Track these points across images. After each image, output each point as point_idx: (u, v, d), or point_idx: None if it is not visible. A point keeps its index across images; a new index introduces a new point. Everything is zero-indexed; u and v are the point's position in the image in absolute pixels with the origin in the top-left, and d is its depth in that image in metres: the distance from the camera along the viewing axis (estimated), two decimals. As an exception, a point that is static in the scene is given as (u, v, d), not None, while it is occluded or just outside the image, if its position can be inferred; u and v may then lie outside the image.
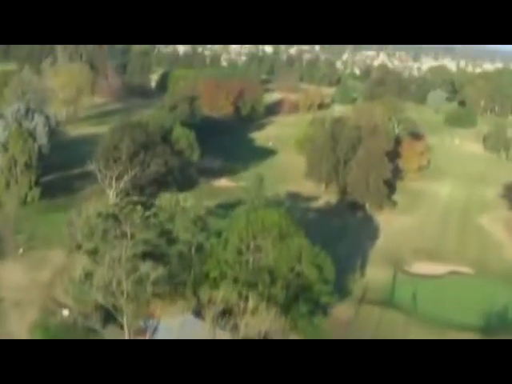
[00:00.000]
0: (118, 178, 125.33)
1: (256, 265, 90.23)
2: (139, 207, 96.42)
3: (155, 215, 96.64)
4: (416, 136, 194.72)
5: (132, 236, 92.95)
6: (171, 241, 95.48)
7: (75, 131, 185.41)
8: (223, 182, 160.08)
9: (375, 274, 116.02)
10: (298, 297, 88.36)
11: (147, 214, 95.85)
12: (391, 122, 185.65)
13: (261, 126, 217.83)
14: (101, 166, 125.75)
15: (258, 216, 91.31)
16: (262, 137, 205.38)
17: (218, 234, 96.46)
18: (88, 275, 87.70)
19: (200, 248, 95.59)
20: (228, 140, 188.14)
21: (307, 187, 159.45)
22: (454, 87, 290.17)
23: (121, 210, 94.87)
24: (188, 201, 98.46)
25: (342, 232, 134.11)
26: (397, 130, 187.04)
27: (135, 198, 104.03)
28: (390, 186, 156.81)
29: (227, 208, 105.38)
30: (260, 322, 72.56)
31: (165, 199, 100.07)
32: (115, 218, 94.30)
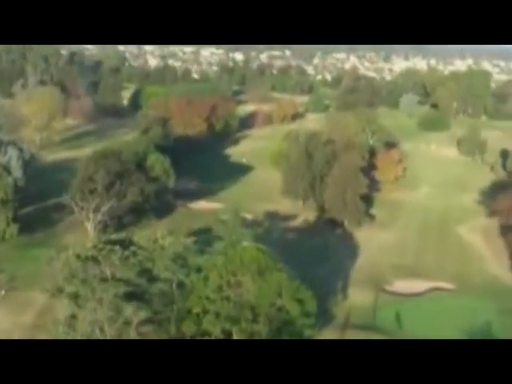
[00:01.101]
0: (95, 210, 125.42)
1: (237, 301, 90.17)
2: (117, 247, 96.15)
3: (134, 254, 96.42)
4: (391, 145, 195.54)
5: (112, 277, 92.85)
6: (152, 279, 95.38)
7: (50, 156, 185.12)
8: (202, 204, 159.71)
9: (357, 295, 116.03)
10: (280, 331, 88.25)
11: (126, 253, 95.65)
12: (365, 133, 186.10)
13: (235, 141, 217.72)
14: (77, 198, 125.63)
15: (237, 252, 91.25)
16: (237, 152, 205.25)
17: (198, 270, 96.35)
18: (71, 319, 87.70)
19: (181, 285, 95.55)
20: (203, 159, 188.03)
21: (284, 205, 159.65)
22: (425, 90, 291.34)
23: (99, 251, 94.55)
24: (166, 239, 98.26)
25: (323, 252, 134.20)
26: (371, 141, 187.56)
27: (113, 236, 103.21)
28: (368, 200, 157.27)
29: (205, 243, 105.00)
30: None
31: (142, 237, 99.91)
32: (94, 259, 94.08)
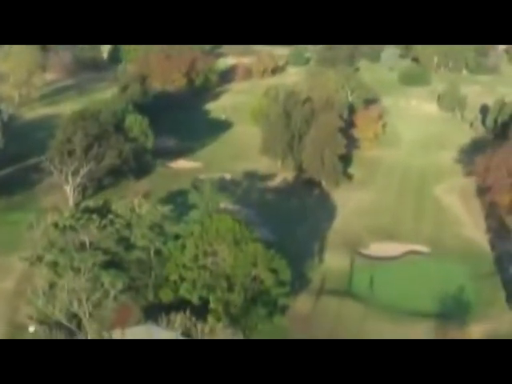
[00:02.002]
0: (74, 173, 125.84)
1: (213, 269, 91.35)
2: (95, 216, 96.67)
3: (111, 223, 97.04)
4: (370, 102, 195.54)
5: (90, 245, 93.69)
6: (129, 247, 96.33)
7: (30, 114, 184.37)
8: (181, 163, 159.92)
9: (333, 259, 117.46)
10: (256, 300, 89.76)
11: (104, 222, 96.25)
12: (344, 91, 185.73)
13: (215, 96, 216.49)
14: (55, 161, 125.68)
15: (213, 222, 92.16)
16: (216, 108, 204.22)
17: (176, 237, 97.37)
18: (50, 287, 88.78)
19: (158, 252, 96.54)
20: (182, 115, 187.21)
21: (263, 164, 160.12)
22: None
23: (77, 220, 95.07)
24: (143, 207, 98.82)
25: (300, 213, 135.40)
26: (350, 98, 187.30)
27: (91, 204, 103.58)
28: (346, 159, 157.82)
29: (182, 211, 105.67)
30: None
31: (120, 206, 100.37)
32: (72, 228, 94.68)
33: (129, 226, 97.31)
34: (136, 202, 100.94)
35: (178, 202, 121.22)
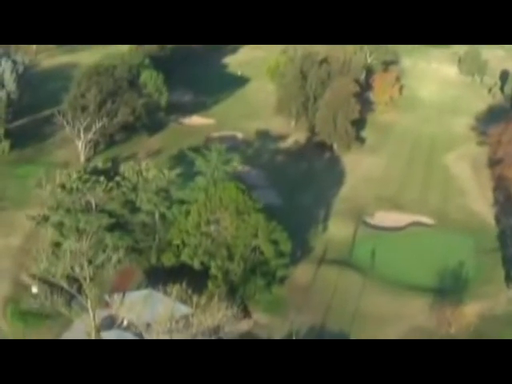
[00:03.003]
0: (86, 129, 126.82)
1: (215, 237, 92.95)
2: (102, 178, 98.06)
3: (118, 185, 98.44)
4: (389, 63, 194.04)
5: (96, 207, 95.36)
6: (134, 210, 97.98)
7: (47, 62, 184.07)
8: (194, 120, 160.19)
9: (337, 227, 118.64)
10: (255, 271, 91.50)
11: (110, 185, 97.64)
12: (363, 52, 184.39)
13: (233, 50, 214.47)
14: (68, 116, 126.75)
15: (217, 191, 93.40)
16: (234, 62, 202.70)
17: (181, 203, 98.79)
18: (55, 247, 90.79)
19: (163, 217, 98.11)
20: (199, 69, 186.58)
21: (276, 123, 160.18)
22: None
23: (84, 183, 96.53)
24: (150, 171, 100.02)
25: (309, 178, 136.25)
26: (369, 60, 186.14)
27: (99, 165, 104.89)
28: (360, 122, 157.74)
29: (189, 177, 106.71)
30: (212, 317, 75.18)
31: (127, 168, 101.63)
32: (79, 190, 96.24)
33: (135, 189, 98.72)
34: (143, 165, 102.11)
35: (188, 161, 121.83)
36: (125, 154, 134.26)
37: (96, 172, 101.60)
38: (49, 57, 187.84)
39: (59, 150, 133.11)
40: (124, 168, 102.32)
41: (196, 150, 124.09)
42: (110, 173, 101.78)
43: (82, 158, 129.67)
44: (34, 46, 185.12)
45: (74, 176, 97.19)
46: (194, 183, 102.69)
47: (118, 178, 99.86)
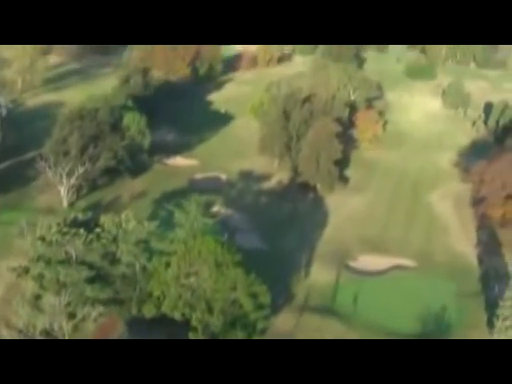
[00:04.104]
0: (69, 175, 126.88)
1: (195, 290, 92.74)
2: (82, 231, 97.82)
3: (98, 238, 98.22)
4: (373, 98, 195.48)
5: (77, 260, 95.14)
6: (115, 262, 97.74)
7: (32, 100, 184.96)
8: (178, 161, 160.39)
9: (320, 272, 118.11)
10: (235, 323, 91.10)
11: (90, 237, 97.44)
12: (346, 89, 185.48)
13: (218, 86, 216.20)
14: (51, 162, 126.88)
15: (196, 244, 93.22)
16: (219, 99, 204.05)
17: (161, 254, 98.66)
18: (36, 299, 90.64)
19: (143, 268, 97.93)
20: (184, 107, 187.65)
21: (260, 163, 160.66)
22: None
23: (64, 235, 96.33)
24: (130, 222, 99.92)
25: (292, 220, 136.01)
26: (353, 97, 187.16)
27: (79, 216, 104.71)
28: (344, 160, 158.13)
29: (168, 228, 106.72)
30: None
31: (107, 220, 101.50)
32: (59, 243, 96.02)
33: (115, 240, 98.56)
34: (123, 216, 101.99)
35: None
36: (108, 198, 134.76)
37: (76, 223, 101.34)
38: (33, 95, 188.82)
39: (42, 194, 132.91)
40: (104, 219, 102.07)
41: (181, 192, 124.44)
42: (90, 224, 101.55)
43: (65, 203, 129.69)
44: (19, 84, 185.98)
45: (54, 229, 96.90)
46: (174, 234, 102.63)
47: (97, 230, 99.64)
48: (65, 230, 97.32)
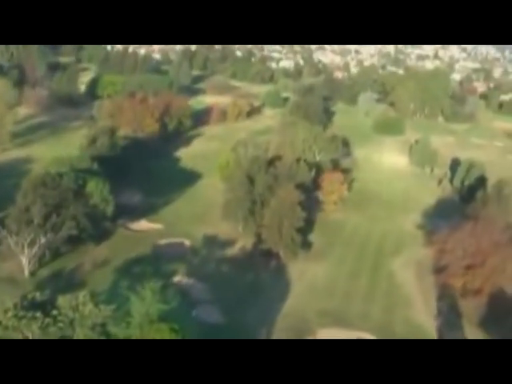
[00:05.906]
0: (31, 244, 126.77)
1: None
2: (39, 314, 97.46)
3: (55, 321, 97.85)
4: (340, 158, 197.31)
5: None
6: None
7: (0, 156, 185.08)
8: (142, 224, 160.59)
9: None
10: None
11: (47, 320, 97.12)
12: (311, 151, 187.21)
13: (187, 141, 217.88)
14: (12, 231, 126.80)
15: (150, 331, 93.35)
16: (187, 155, 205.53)
17: (116, 338, 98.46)
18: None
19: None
20: (151, 166, 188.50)
21: (225, 227, 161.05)
22: (384, 88, 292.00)
23: (20, 320, 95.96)
24: (86, 306, 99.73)
25: (253, 291, 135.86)
26: (318, 158, 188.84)
27: (37, 297, 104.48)
28: (308, 225, 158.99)
29: (125, 313, 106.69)
30: None
31: (64, 301, 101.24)
32: (15, 328, 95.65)
33: (71, 324, 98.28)
34: (81, 298, 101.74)
35: (134, 275, 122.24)
36: (71, 266, 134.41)
37: (33, 305, 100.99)
38: (2, 151, 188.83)
39: (4, 262, 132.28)
40: (61, 301, 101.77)
41: (144, 259, 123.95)
42: (47, 306, 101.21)
43: (26, 273, 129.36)
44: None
45: (10, 314, 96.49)
46: (131, 318, 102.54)
47: (54, 312, 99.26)
48: (21, 314, 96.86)
